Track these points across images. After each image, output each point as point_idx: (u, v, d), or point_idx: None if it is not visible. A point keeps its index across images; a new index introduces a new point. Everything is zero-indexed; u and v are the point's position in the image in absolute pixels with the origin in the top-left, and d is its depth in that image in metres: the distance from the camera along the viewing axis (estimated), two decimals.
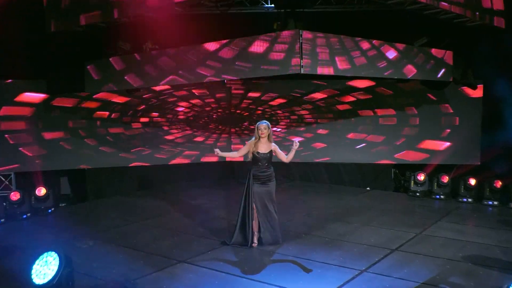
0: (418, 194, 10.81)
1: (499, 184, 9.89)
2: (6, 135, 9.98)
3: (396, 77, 8.52)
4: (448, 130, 11.25)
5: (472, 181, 10.22)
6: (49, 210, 9.38)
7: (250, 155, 7.23)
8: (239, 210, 7.32)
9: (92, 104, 10.81)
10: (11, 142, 10.04)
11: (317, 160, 12.09)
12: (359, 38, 7.34)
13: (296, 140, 6.78)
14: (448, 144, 11.24)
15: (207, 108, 12.49)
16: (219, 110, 12.60)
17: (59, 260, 5.06)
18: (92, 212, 9.82)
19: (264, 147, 7.10)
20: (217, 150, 7.20)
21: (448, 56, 8.79)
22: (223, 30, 7.83)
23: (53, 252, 5.15)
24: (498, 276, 6.14)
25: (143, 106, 11.57)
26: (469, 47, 9.71)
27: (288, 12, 7.33)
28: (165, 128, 12.01)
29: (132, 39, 8.24)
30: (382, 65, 7.68)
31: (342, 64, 7.15)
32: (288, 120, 12.37)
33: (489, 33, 9.00)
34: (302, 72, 6.54)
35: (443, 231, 8.10)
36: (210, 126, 12.58)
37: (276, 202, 7.28)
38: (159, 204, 10.26)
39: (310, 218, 9.03)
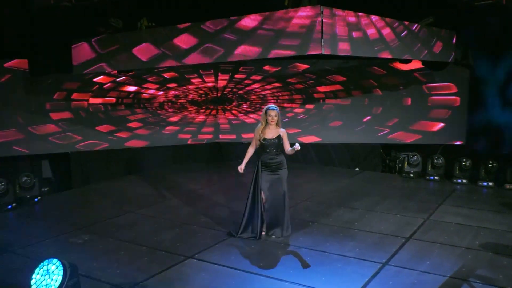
0: (412, 175, 10.39)
1: (493, 165, 9.55)
2: None
3: (410, 58, 7.89)
4: (437, 111, 10.83)
5: (468, 162, 9.81)
6: (36, 199, 8.44)
7: (257, 142, 6.51)
8: (247, 200, 6.59)
9: (73, 85, 9.83)
10: None
11: (307, 142, 11.44)
12: (374, 16, 6.62)
13: (297, 144, 6.04)
14: (437, 124, 10.83)
15: (194, 91, 11.64)
16: (206, 91, 11.77)
17: (63, 269, 4.24)
18: (81, 201, 8.95)
19: (271, 133, 6.40)
20: (241, 167, 6.60)
21: (451, 36, 8.23)
22: (224, 6, 6.96)
23: (55, 260, 4.33)
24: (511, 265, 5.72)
25: (129, 87, 10.60)
26: (464, 27, 9.16)
27: None
28: (152, 110, 11.11)
29: (126, 15, 7.25)
30: (395, 45, 7.01)
31: (359, 44, 6.45)
32: (279, 100, 11.66)
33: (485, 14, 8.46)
34: (323, 52, 5.78)
35: (450, 216, 7.65)
36: (196, 107, 11.76)
37: (287, 192, 6.56)
38: (151, 191, 9.49)
39: (312, 204, 8.42)
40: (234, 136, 11.96)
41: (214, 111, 11.98)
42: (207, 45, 6.87)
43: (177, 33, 7.02)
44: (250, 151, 6.64)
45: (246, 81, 11.61)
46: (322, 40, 5.66)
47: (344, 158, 11.80)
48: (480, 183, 9.68)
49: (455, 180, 9.92)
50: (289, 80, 11.48)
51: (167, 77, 11.01)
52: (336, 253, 6.04)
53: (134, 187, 9.89)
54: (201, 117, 11.83)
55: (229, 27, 6.56)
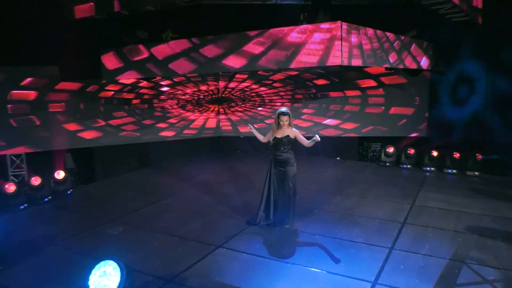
0: (388, 164, 10.11)
1: (457, 155, 9.37)
2: (12, 119, 8.07)
3: (403, 68, 7.48)
4: (401, 108, 10.48)
5: (435, 153, 9.63)
6: (68, 192, 7.76)
7: (270, 141, 6.05)
8: (263, 192, 6.15)
9: (97, 88, 8.98)
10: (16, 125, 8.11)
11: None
12: (380, 32, 6.18)
13: (317, 136, 5.62)
14: (402, 120, 10.47)
15: (197, 92, 11.01)
16: (209, 93, 11.16)
17: (120, 271, 3.71)
18: (108, 193, 8.23)
19: (281, 133, 5.97)
20: (250, 125, 6.10)
21: (428, 47, 7.90)
22: (244, 20, 6.39)
23: (112, 261, 3.80)
24: (506, 247, 5.45)
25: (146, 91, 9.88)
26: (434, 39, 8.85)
27: (316, 4, 5.99)
28: (164, 108, 10.42)
29: (151, 27, 6.60)
30: (394, 57, 6.60)
31: (368, 56, 6.01)
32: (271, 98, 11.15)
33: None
34: (342, 64, 5.31)
35: (431, 201, 7.36)
36: (199, 108, 11.14)
37: (294, 186, 6.05)
38: (168, 182, 8.88)
39: (311, 192, 8.01)
40: (232, 130, 11.42)
41: (216, 109, 11.39)
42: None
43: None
44: (260, 137, 6.18)
45: (242, 85, 11.06)
46: (342, 52, 5.21)
47: (327, 149, 11.41)
48: (446, 171, 9.47)
49: (424, 168, 9.68)
50: (275, 84, 10.99)
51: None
52: (347, 239, 5.68)
53: (152, 178, 9.30)
54: (204, 115, 11.23)
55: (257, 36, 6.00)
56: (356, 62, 5.70)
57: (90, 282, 3.72)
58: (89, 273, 3.77)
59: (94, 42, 6.90)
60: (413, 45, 7.30)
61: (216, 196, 7.72)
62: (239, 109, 11.39)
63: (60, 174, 7.57)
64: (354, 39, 5.55)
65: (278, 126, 5.96)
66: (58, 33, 6.47)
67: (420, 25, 7.54)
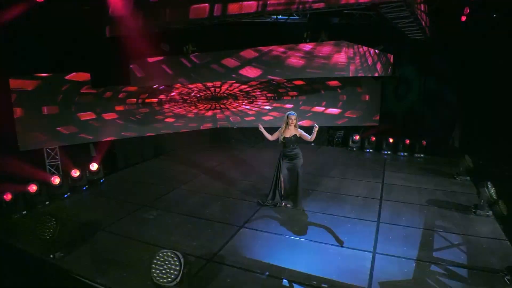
0: (354, 149, 10.19)
1: (407, 141, 9.58)
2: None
3: (376, 75, 7.44)
4: (360, 104, 10.38)
5: (391, 140, 9.79)
6: (101, 180, 7.35)
7: (280, 139, 5.91)
8: (272, 180, 6.09)
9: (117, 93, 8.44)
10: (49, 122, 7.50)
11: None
12: (365, 47, 6.09)
13: (316, 124, 5.55)
14: (359, 112, 10.41)
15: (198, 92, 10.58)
16: (208, 92, 10.74)
17: (178, 259, 3.52)
18: (134, 180, 7.79)
19: (289, 132, 5.85)
20: (260, 125, 5.81)
21: (389, 59, 7.92)
22: (253, 37, 6.12)
23: (170, 251, 3.60)
24: (460, 216, 5.65)
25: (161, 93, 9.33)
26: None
27: (318, 24, 5.81)
28: (174, 105, 9.92)
29: (174, 41, 6.19)
30: (372, 65, 6.55)
31: (358, 67, 5.92)
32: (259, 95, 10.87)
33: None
34: (346, 75, 5.21)
35: (396, 179, 7.46)
36: (200, 105, 10.71)
37: (301, 176, 6.00)
38: (183, 169, 8.53)
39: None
40: (226, 123, 11.10)
41: (214, 105, 11.01)
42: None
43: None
44: (269, 136, 5.92)
45: (235, 84, 10.70)
46: (345, 65, 5.11)
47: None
48: (399, 153, 9.65)
49: (383, 152, 9.84)
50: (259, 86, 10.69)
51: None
52: (342, 215, 5.70)
53: (168, 166, 8.89)
54: (203, 110, 10.82)
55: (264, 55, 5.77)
56: (357, 73, 5.65)
57: (152, 270, 3.51)
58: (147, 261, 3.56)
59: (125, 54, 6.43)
60: (383, 57, 7.30)
61: (225, 181, 7.53)
62: (231, 106, 11.05)
63: (94, 166, 7.11)
64: (350, 54, 5.48)
65: (287, 126, 5.83)
66: (97, 47, 6.00)
67: (383, 40, 7.52)
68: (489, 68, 7.56)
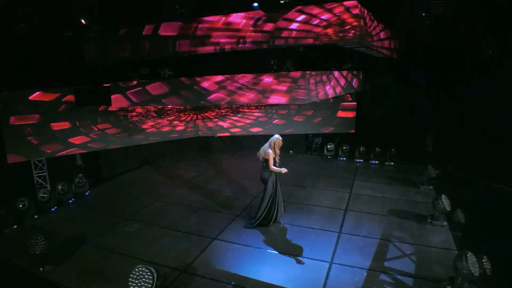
0: (329, 157, 10.73)
1: (378, 150, 10.12)
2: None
3: (349, 92, 7.97)
4: (337, 113, 10.75)
5: (362, 148, 10.33)
6: (86, 193, 7.75)
7: (277, 161, 6.07)
8: (268, 201, 6.12)
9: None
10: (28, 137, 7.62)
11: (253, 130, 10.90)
12: (328, 72, 6.62)
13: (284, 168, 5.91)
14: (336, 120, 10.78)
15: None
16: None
17: (152, 274, 4.01)
18: (117, 192, 8.18)
19: (277, 155, 6.08)
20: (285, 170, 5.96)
21: (358, 74, 8.47)
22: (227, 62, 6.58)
23: (144, 267, 4.09)
24: (417, 226, 6.11)
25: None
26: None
27: (284, 52, 6.30)
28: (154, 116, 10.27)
29: (151, 65, 6.62)
30: (343, 85, 7.08)
31: (321, 91, 6.43)
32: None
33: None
34: (306, 102, 5.72)
35: (363, 189, 7.94)
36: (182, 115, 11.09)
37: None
38: (163, 180, 8.92)
39: None
40: (208, 132, 11.51)
41: (195, 116, 11.41)
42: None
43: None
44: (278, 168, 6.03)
45: None
46: (310, 91, 5.63)
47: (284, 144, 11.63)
48: (371, 161, 10.19)
49: (355, 160, 10.38)
50: None
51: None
52: (308, 227, 6.15)
53: (150, 176, 9.26)
54: (184, 121, 11.19)
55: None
56: (322, 96, 6.17)
57: (129, 283, 3.99)
58: (128, 273, 4.04)
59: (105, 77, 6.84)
60: (349, 74, 7.84)
61: (204, 192, 7.91)
62: (211, 114, 11.45)
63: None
64: (316, 80, 6.00)
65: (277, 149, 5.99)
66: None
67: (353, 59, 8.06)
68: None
